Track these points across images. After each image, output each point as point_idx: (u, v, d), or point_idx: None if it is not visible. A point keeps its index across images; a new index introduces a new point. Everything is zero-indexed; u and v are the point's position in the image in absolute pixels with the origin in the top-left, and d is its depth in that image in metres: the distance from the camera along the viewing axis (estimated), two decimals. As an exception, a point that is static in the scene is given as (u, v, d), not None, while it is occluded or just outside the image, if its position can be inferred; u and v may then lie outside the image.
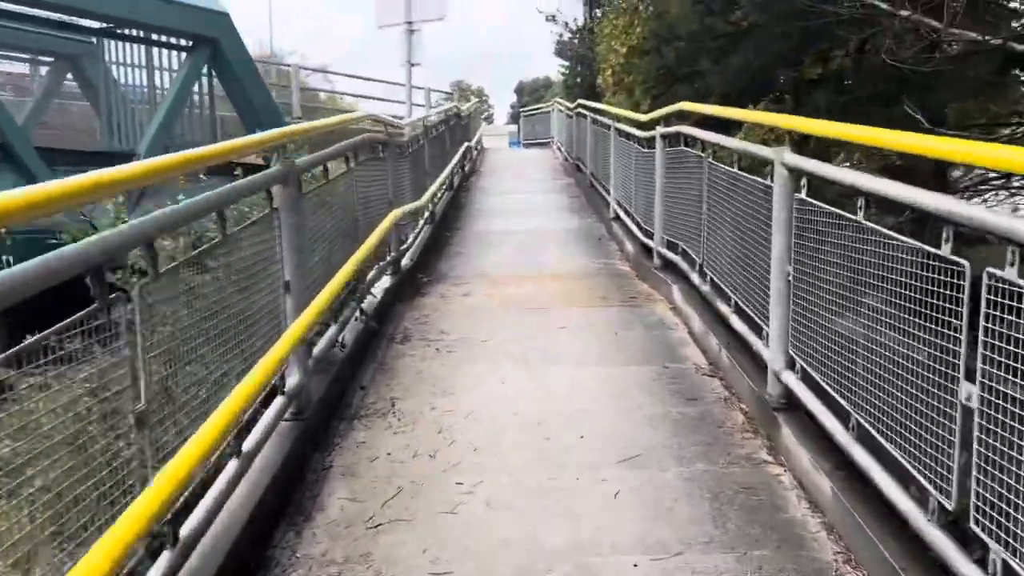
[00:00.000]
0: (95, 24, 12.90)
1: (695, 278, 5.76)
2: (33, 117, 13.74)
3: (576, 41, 23.90)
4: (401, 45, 17.01)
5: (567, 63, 25.29)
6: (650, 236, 7.53)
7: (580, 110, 14.79)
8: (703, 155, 5.51)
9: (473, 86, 64.48)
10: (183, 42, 12.57)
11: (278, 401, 3.60)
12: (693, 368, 4.88)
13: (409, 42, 16.78)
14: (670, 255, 6.68)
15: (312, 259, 4.25)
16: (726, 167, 4.93)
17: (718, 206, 5.11)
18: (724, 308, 4.88)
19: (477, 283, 7.45)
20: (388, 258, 6.73)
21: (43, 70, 14.79)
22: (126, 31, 12.78)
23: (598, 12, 22.23)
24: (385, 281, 6.59)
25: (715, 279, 5.18)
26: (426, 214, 9.67)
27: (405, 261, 7.50)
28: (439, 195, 11.10)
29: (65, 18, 12.90)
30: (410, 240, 8.06)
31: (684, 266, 6.17)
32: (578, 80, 24.03)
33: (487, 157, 21.19)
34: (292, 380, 3.81)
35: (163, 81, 12.96)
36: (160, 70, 13.19)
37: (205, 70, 12.89)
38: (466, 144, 16.31)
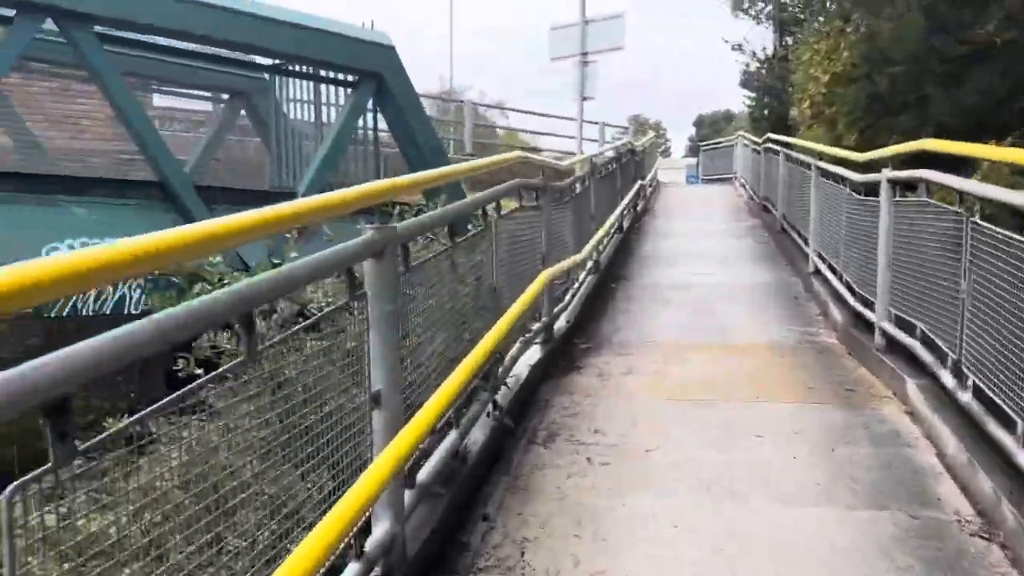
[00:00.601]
0: (268, 61, 12.80)
1: (946, 378, 4.23)
2: (207, 152, 13.85)
3: (764, 71, 22.17)
4: (574, 78, 16.11)
5: (753, 94, 23.54)
6: (868, 304, 6.00)
7: (770, 145, 13.21)
8: (962, 212, 4.02)
9: (651, 120, 63.25)
10: (348, 77, 12.19)
11: (352, 569, 2.52)
12: (955, 520, 3.39)
13: (582, 75, 15.85)
14: (901, 337, 5.13)
15: (421, 354, 3.18)
16: (1009, 234, 3.44)
17: (991, 287, 3.61)
18: (1006, 438, 3.37)
19: (644, 354, 6.19)
20: (536, 325, 5.62)
21: (206, 105, 15.01)
22: (295, 67, 12.58)
23: (788, 40, 20.47)
24: (532, 352, 5.48)
25: (987, 388, 3.66)
26: (589, 264, 8.53)
27: (560, 324, 6.37)
28: (605, 242, 9.93)
29: (240, 56, 12.90)
30: (567, 298, 6.92)
31: (925, 356, 4.63)
32: (765, 112, 22.24)
33: (662, 193, 19.83)
34: (379, 531, 2.73)
35: (330, 117, 12.65)
36: (327, 105, 12.90)
37: (370, 105, 12.44)
38: (639, 182, 15.07)
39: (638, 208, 15.11)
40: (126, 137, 10.06)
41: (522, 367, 5.15)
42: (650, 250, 11.43)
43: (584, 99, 15.84)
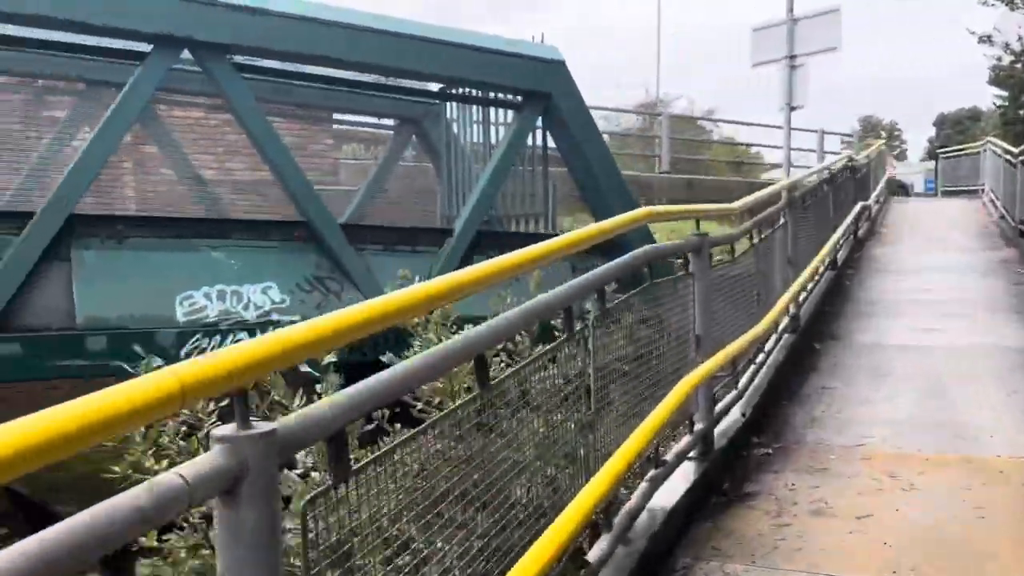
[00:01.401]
0: (435, 85, 12.01)
1: None
2: (375, 183, 13.28)
3: (1020, 66, 18.74)
4: (780, 85, 14.07)
5: (1006, 93, 20.05)
6: None
7: (1032, 158, 10.60)
8: None
9: (885, 120, 57.67)
10: (514, 98, 11.07)
11: None
12: None
13: (790, 81, 13.79)
14: None
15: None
16: None
17: None
18: None
19: (846, 472, 4.43)
20: (686, 439, 4.06)
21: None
22: (460, 90, 11.66)
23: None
24: (680, 474, 3.94)
25: None
26: (785, 320, 6.78)
27: (725, 425, 4.74)
28: (809, 287, 8.04)
29: (410, 83, 12.20)
30: (742, 382, 5.25)
31: None
32: (1021, 113, 18.83)
33: (892, 208, 17.14)
34: None
35: (492, 141, 11.61)
36: (496, 125, 11.88)
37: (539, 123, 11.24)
38: (860, 204, 12.78)
39: (859, 234, 12.83)
40: (269, 175, 9.50)
41: (663, 496, 3.65)
42: (869, 294, 9.31)
43: (792, 108, 13.75)
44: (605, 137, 22.81)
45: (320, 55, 8.82)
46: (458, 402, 2.23)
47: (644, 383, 3.43)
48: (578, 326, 2.75)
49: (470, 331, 2.23)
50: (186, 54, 7.95)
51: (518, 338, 3.41)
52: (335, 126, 15.50)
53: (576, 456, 2.72)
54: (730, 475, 4.41)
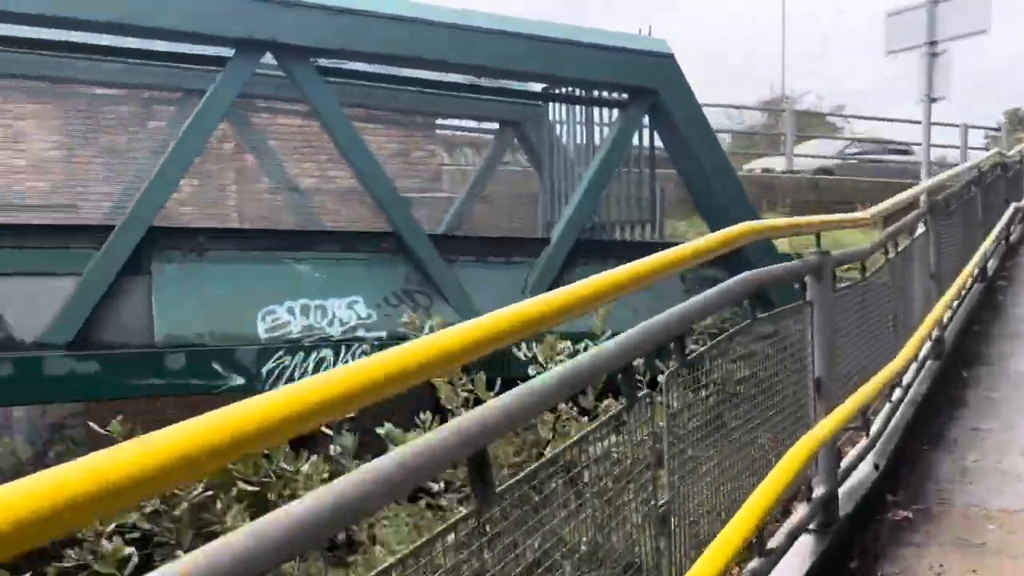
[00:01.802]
0: (537, 86, 11.39)
1: None
2: (475, 190, 12.78)
3: None
4: (919, 74, 12.69)
5: None
6: None
7: None
8: None
9: (1035, 112, 53.39)
10: (619, 96, 10.31)
11: None
12: None
13: (931, 68, 12.41)
14: None
15: None
16: None
17: None
18: None
19: (1012, 549, 3.51)
20: (802, 510, 3.25)
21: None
22: (563, 89, 11.00)
23: None
24: (797, 554, 3.14)
25: None
26: (927, 345, 5.79)
27: (853, 482, 3.88)
28: (954, 306, 6.95)
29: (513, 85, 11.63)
30: (875, 428, 4.34)
31: None
32: None
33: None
34: None
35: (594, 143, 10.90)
36: (600, 125, 11.16)
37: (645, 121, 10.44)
38: (1013, 206, 11.32)
39: (1010, 239, 11.38)
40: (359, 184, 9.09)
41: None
42: (1027, 309, 8.07)
43: (932, 100, 12.37)
44: (726, 136, 21.56)
45: (417, 56, 8.27)
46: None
47: (742, 449, 2.67)
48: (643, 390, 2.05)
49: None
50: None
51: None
52: (438, 131, 15.13)
53: (642, 565, 2.01)
54: (859, 550, 3.57)
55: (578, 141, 11.48)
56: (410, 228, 8.42)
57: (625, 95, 10.17)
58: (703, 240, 2.66)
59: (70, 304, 6.93)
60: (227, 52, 7.65)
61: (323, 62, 8.27)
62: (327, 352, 7.84)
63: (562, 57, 9.27)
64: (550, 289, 1.90)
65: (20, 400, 8.06)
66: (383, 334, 8.04)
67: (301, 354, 7.74)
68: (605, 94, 10.66)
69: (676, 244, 2.81)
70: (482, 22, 8.53)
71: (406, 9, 7.95)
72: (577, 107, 11.34)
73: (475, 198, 12.73)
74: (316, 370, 7.84)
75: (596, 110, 11.13)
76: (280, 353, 7.63)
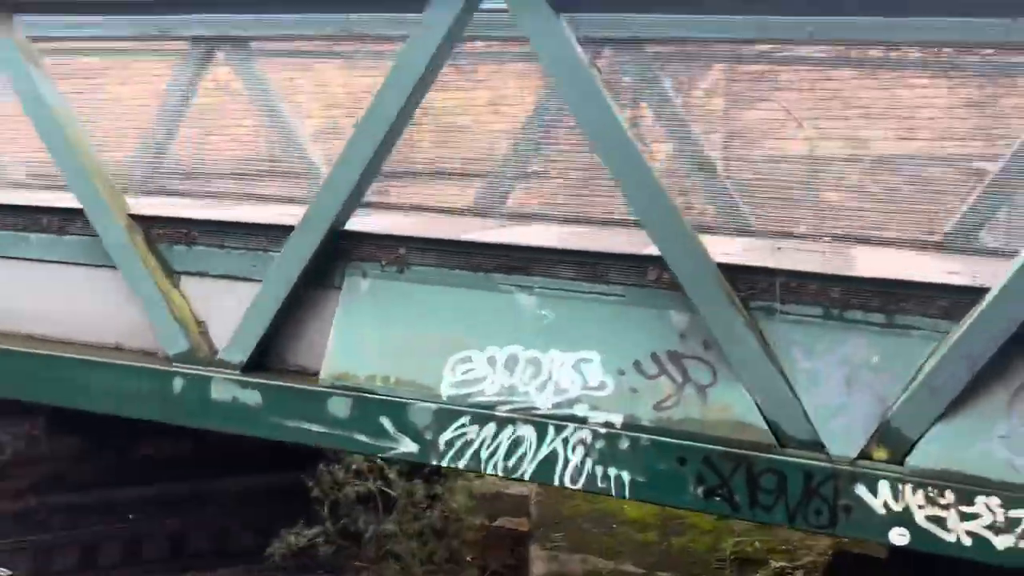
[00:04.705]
0: None
1: None
2: None
3: None
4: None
5: None
6: None
7: None
8: None
9: None
10: None
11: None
12: None
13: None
14: None
15: None
16: None
17: None
18: None
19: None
20: None
21: None
22: None
23: None
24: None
25: None
26: None
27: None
28: None
29: None
30: None
31: None
32: None
33: None
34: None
35: None
36: None
37: None
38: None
39: None
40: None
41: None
42: None
43: None
44: None
45: None
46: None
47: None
48: None
49: None
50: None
51: None
52: None
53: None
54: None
55: None
56: (689, 249, 4.92)
57: None
58: None
59: (248, 317, 5.89)
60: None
61: None
62: (527, 432, 5.17)
63: None
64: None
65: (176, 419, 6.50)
66: (617, 419, 5.00)
67: (492, 426, 5.26)
68: None
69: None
70: None
71: None
72: None
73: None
74: (509, 455, 5.30)
75: None
76: (464, 420, 5.31)
